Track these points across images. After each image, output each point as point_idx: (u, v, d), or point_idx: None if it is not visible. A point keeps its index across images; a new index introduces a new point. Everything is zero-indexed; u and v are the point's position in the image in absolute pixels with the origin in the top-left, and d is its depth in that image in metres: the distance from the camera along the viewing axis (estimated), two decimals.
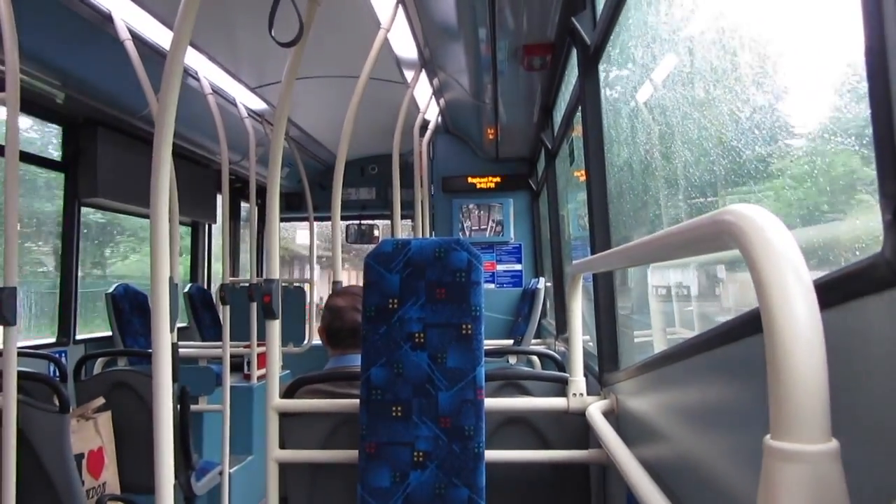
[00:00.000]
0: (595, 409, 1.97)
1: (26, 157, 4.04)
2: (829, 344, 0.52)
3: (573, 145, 3.80)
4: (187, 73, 3.81)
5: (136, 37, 3.19)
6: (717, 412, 1.12)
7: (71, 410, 2.64)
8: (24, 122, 4.15)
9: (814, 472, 0.49)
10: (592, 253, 2.37)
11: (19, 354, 2.26)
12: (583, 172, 2.50)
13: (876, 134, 0.68)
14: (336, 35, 3.51)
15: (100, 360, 4.07)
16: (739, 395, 1.01)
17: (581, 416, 2.06)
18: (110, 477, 3.07)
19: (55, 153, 4.48)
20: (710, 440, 1.15)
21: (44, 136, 4.56)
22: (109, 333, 4.62)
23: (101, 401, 3.12)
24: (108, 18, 3.14)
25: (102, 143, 4.41)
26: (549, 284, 5.11)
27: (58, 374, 3.48)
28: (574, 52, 2.82)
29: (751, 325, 0.93)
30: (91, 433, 3.01)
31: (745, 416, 0.97)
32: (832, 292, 0.72)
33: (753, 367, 0.91)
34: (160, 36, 3.37)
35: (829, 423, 0.50)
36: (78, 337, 4.46)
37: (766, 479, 0.51)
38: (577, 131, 3.38)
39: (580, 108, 2.52)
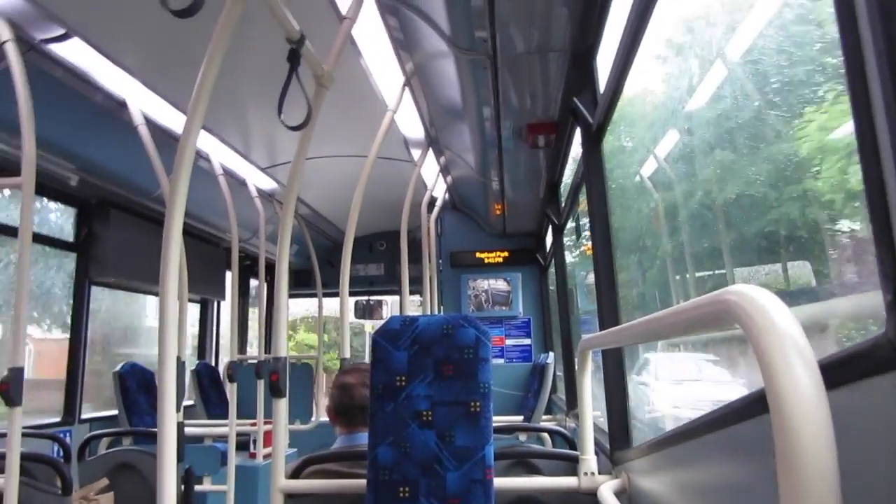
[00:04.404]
0: (607, 489, 1.92)
1: (39, 238, 4.11)
2: (836, 425, 0.52)
3: (579, 220, 3.84)
4: (199, 155, 3.90)
5: (149, 121, 3.28)
6: (731, 492, 1.10)
7: (74, 492, 2.60)
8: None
9: None
10: (601, 329, 2.36)
11: (23, 435, 2.24)
12: (589, 246, 2.52)
13: (873, 218, 0.69)
14: (344, 117, 3.60)
15: (105, 439, 4.02)
16: (751, 474, 0.99)
17: (592, 495, 2.01)
18: None
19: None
20: None
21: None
22: (115, 412, 4.58)
23: (104, 482, 3.07)
24: (122, 105, 3.23)
25: (115, 224, 4.49)
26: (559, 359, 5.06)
27: (62, 454, 3.44)
28: (577, 129, 2.88)
29: (759, 404, 0.92)
30: None
31: (757, 497, 0.95)
32: (837, 373, 0.72)
33: (764, 446, 0.89)
34: (173, 120, 3.46)
35: None
36: (83, 416, 4.42)
37: None
38: (583, 205, 3.41)
39: (585, 184, 2.55)
